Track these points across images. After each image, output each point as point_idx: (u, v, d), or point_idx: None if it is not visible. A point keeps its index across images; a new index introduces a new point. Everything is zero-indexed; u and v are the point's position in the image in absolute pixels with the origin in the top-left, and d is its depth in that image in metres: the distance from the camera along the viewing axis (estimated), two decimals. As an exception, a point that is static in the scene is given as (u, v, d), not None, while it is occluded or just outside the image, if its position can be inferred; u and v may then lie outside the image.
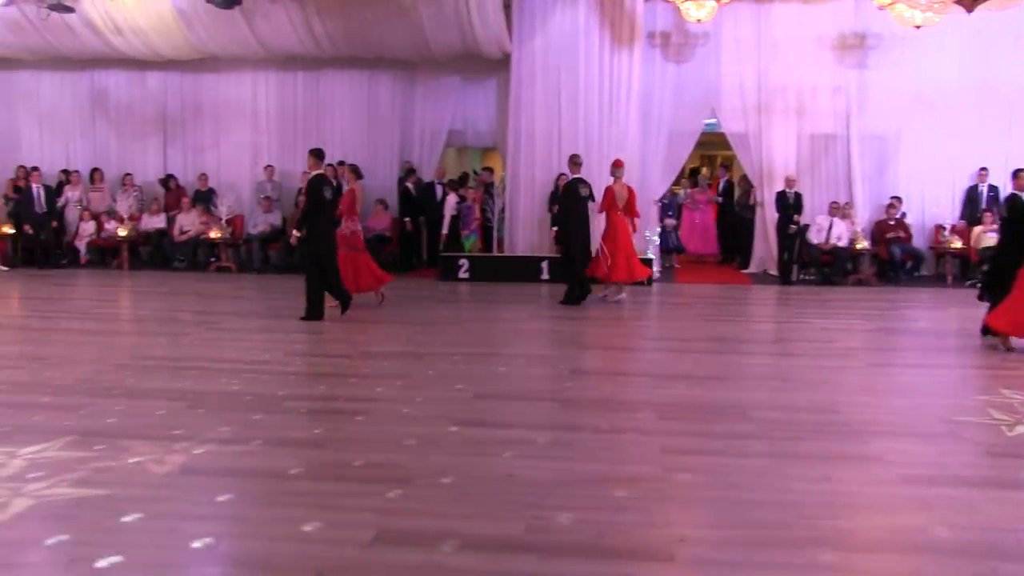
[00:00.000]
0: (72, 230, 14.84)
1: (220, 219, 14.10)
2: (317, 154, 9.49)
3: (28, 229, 14.22)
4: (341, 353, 7.91)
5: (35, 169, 14.49)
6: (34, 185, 14.21)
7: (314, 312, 9.29)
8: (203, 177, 15.07)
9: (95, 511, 4.01)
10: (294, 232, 9.66)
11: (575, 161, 10.82)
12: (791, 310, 11.09)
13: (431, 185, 14.71)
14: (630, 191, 11.04)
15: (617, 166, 10.96)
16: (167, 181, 15.23)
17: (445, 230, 14.31)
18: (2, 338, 8.50)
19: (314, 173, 9.39)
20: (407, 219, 14.61)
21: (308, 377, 7.01)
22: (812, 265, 13.50)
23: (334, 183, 9.85)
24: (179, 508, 4.08)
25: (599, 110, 13.53)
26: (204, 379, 6.68)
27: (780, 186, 13.32)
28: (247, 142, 15.38)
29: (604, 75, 13.52)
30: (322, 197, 9.26)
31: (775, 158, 13.89)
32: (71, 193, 14.88)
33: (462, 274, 13.18)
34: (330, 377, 6.95)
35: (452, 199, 14.28)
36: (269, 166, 14.85)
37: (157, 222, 14.58)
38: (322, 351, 8.12)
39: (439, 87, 14.86)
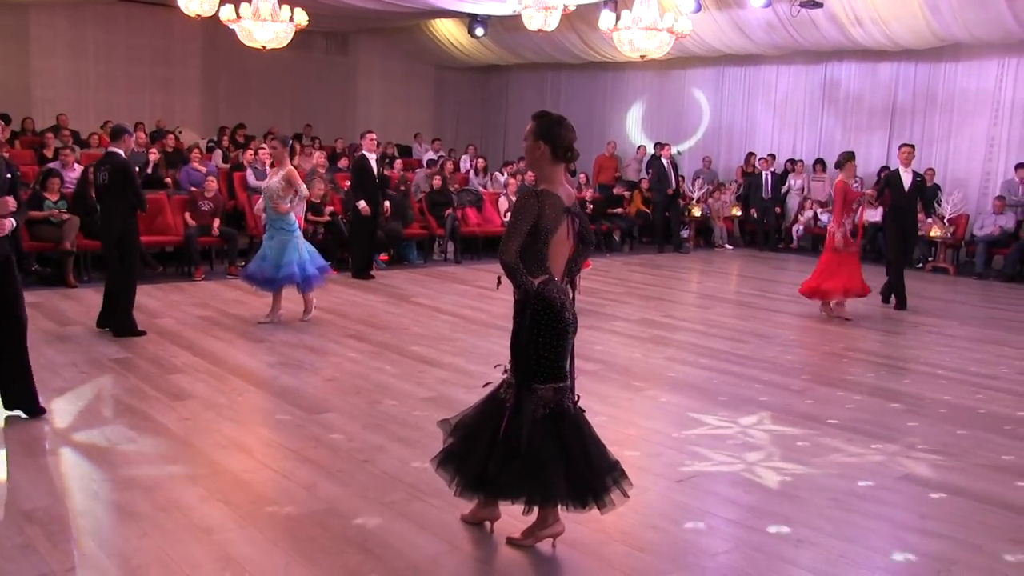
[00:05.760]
0: (792, 216, 15.50)
1: (943, 217, 13.21)
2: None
3: (753, 213, 15.31)
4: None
5: (772, 156, 15.52)
6: (764, 172, 15.21)
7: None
8: (929, 173, 14.25)
9: (809, 491, 4.06)
10: None
11: None
12: None
13: None
14: None
15: None
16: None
17: None
18: (730, 312, 9.27)
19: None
20: None
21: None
22: None
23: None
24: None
25: None
26: (921, 383, 6.35)
27: None
28: (982, 136, 14.13)
29: None
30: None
31: None
32: (794, 181, 15.56)
33: None
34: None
35: None
36: (1021, 165, 13.15)
37: (872, 216, 14.34)
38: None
39: None
